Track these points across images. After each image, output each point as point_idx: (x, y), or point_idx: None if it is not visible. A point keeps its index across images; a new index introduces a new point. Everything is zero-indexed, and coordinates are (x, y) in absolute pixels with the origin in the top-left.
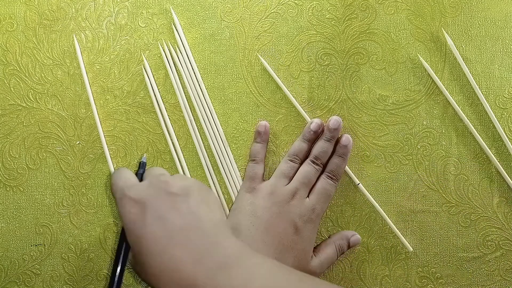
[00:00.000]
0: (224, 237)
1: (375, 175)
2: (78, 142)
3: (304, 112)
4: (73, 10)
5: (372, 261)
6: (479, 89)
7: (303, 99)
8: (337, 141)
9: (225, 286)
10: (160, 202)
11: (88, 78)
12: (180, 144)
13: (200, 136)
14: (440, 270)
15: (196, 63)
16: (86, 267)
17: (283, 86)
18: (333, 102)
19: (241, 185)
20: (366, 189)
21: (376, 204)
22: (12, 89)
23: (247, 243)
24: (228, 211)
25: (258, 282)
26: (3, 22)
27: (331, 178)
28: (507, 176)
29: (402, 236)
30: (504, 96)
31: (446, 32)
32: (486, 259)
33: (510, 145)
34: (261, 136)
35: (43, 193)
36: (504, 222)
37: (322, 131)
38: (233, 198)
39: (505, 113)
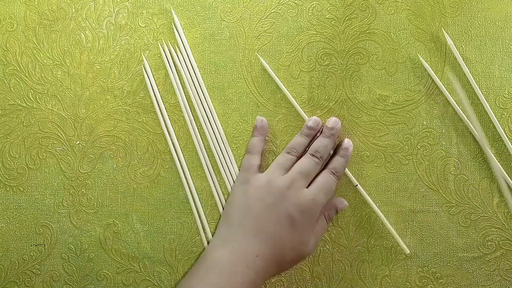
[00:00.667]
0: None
1: (375, 175)
2: (78, 142)
3: (302, 112)
4: (73, 10)
5: (372, 261)
6: (479, 89)
7: (303, 99)
8: (338, 146)
9: None
10: None
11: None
12: (180, 144)
13: (200, 136)
14: (440, 270)
15: (196, 63)
16: (86, 267)
17: (282, 86)
18: (333, 102)
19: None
20: (366, 189)
21: (374, 205)
22: (12, 89)
23: (238, 236)
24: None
25: None
26: (3, 22)
27: (333, 173)
28: (507, 176)
29: (399, 238)
30: (504, 96)
31: (446, 32)
32: (486, 259)
33: (510, 145)
34: (258, 130)
35: (43, 193)
36: (504, 222)
37: (321, 130)
38: None
39: (505, 113)
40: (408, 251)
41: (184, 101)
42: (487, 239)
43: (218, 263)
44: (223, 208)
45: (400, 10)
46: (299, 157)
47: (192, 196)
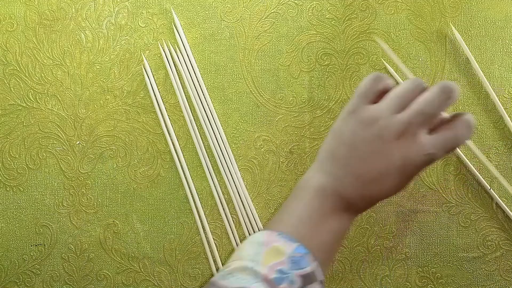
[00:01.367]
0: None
1: None
2: (78, 142)
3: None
4: (73, 10)
5: (372, 261)
6: (490, 87)
7: (303, 99)
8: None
9: None
10: None
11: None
12: (180, 144)
13: (200, 136)
14: (440, 270)
15: (196, 63)
16: (86, 267)
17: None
18: (333, 102)
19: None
20: None
21: None
22: (12, 89)
23: (341, 173)
24: (227, 210)
25: None
26: (3, 22)
27: (457, 128)
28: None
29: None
30: (504, 96)
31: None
32: (486, 259)
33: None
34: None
35: (43, 193)
36: (504, 222)
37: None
38: (233, 198)
39: (505, 113)
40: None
41: (184, 101)
42: (487, 239)
43: (318, 187)
44: (223, 208)
45: (400, 10)
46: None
47: (192, 196)
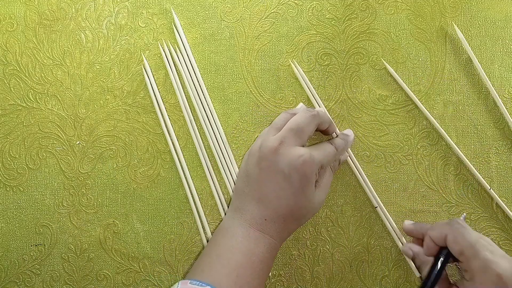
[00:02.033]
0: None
1: (375, 175)
2: (78, 142)
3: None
4: (73, 10)
5: (372, 261)
6: (493, 88)
7: (303, 99)
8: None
9: None
10: None
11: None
12: (180, 144)
13: (200, 136)
14: None
15: (196, 63)
16: (86, 267)
17: (312, 90)
18: (333, 102)
19: None
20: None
21: (392, 230)
22: (12, 89)
23: (245, 203)
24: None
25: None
26: (3, 22)
27: (331, 143)
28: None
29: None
30: (504, 96)
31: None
32: None
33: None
34: (293, 109)
35: (43, 193)
36: (504, 222)
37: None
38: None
39: (507, 112)
40: (418, 274)
41: (184, 101)
42: None
43: (231, 230)
44: (223, 209)
45: (400, 10)
46: None
47: (192, 196)
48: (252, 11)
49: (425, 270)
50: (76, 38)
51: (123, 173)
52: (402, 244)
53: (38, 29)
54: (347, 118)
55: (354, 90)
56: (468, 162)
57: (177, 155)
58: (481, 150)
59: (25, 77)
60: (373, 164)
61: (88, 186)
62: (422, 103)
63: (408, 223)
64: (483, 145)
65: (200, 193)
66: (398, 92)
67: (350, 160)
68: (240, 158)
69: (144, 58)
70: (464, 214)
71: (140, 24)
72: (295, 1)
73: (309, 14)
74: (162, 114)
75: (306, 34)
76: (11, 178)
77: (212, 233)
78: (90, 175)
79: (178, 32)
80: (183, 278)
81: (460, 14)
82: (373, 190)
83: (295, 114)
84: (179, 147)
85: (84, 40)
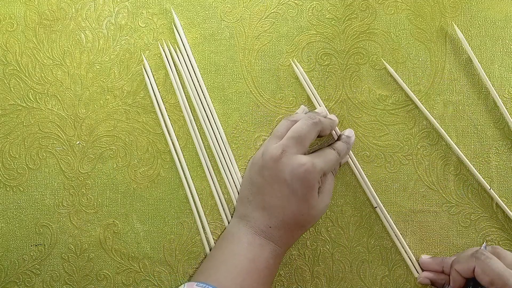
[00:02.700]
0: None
1: (375, 175)
2: (78, 142)
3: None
4: (73, 10)
5: (372, 261)
6: (493, 88)
7: (303, 99)
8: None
9: None
10: None
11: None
12: (180, 144)
13: (200, 136)
14: None
15: (196, 63)
16: (86, 267)
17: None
18: (333, 102)
19: None
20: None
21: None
22: (12, 89)
23: (249, 211)
24: (227, 211)
25: None
26: (3, 22)
27: (333, 149)
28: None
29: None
30: (504, 96)
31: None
32: None
33: None
34: (293, 115)
35: (43, 193)
36: (504, 222)
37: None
38: (233, 198)
39: (507, 113)
40: (417, 274)
41: (184, 101)
42: (487, 239)
43: (237, 237)
44: (223, 209)
45: (400, 10)
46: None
47: (192, 196)
48: (252, 11)
49: None
50: (76, 38)
51: (123, 173)
52: (418, 272)
53: (38, 29)
54: (347, 118)
55: (354, 90)
56: (468, 162)
57: (177, 155)
58: (481, 150)
59: (25, 77)
60: (373, 164)
61: (88, 186)
62: (422, 103)
63: (425, 257)
64: (483, 145)
65: (200, 193)
66: (398, 92)
67: (350, 160)
68: (240, 158)
69: (144, 58)
70: (485, 243)
71: (140, 24)
72: (295, 1)
73: (309, 14)
74: (162, 114)
75: (306, 34)
76: (11, 178)
77: (212, 233)
78: (90, 175)
79: (178, 32)
80: (188, 280)
81: (460, 14)
82: (373, 190)
83: (296, 121)
84: (179, 147)
85: (84, 40)
